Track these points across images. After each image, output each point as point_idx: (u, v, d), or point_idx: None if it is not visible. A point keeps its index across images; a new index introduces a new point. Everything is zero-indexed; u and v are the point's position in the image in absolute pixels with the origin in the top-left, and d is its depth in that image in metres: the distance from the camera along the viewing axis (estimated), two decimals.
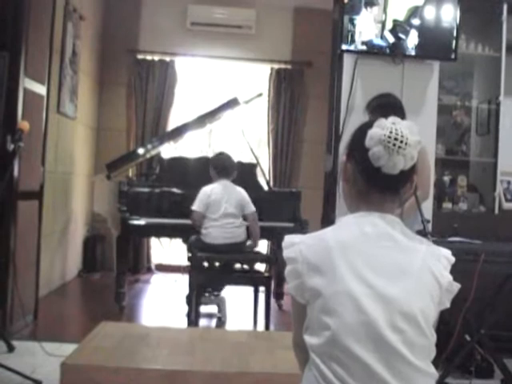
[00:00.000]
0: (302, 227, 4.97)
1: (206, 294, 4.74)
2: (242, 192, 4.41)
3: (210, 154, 5.16)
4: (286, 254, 1.37)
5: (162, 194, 4.86)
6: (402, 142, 1.33)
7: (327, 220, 4.01)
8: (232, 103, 5.28)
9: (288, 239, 1.39)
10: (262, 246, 6.33)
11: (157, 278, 6.50)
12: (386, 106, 3.37)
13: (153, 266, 6.82)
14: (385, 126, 1.35)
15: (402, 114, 3.32)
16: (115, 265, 4.86)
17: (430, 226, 3.28)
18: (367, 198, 1.39)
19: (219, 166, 4.43)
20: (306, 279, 1.32)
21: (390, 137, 1.33)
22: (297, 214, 5.12)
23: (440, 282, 1.33)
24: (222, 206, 4.29)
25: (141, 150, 5.45)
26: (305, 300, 1.34)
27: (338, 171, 3.88)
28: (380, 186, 1.38)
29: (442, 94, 4.43)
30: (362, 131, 1.39)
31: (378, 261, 1.31)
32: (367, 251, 1.32)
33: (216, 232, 4.26)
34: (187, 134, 5.45)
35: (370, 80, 4.08)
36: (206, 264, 4.27)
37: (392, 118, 1.37)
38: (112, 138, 6.66)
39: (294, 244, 1.36)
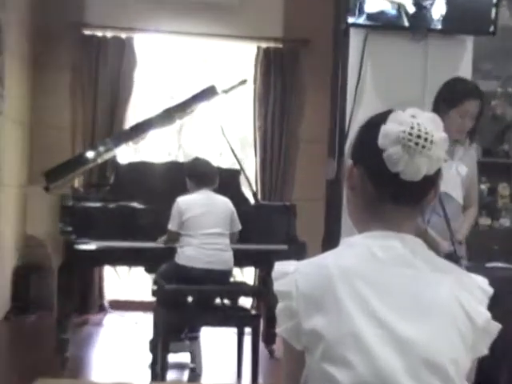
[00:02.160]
0: (298, 251, 4.99)
1: (177, 339, 4.72)
2: (228, 204, 4.52)
3: (181, 158, 5.29)
4: (276, 286, 1.39)
5: (118, 209, 4.87)
6: (426, 139, 1.34)
7: (330, 241, 4.05)
8: (208, 93, 5.31)
9: (279, 268, 1.40)
10: (249, 276, 6.48)
11: (112, 319, 6.50)
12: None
13: (106, 304, 6.81)
14: (403, 120, 1.36)
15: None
16: (56, 303, 4.84)
17: (462, 249, 3.32)
18: (380, 212, 1.41)
19: (198, 174, 4.56)
20: (302, 319, 1.33)
21: (410, 134, 1.34)
22: (291, 234, 5.17)
23: (474, 320, 1.34)
24: (202, 222, 4.38)
25: (90, 154, 5.44)
26: (302, 345, 1.34)
27: (343, 179, 3.90)
28: (397, 197, 1.39)
29: (476, 79, 4.46)
30: (373, 127, 1.40)
31: (394, 294, 1.32)
32: (379, 281, 1.33)
33: (193, 252, 4.33)
34: (151, 133, 5.47)
35: (383, 62, 4.14)
36: (176, 299, 4.31)
37: (411, 110, 1.39)
38: (52, 137, 6.64)
39: (287, 274, 1.37)
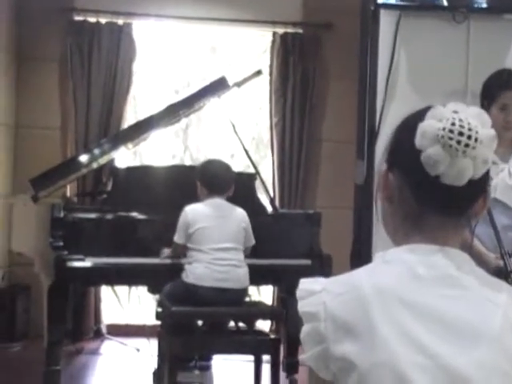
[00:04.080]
0: (322, 266, 4.99)
1: (186, 369, 4.69)
2: (244, 216, 4.55)
3: (187, 161, 5.29)
4: (302, 307, 1.39)
5: (116, 221, 4.87)
6: (469, 137, 1.33)
7: (360, 256, 4.05)
8: (218, 86, 5.31)
9: (304, 286, 1.41)
10: (266, 295, 6.54)
11: (110, 347, 6.50)
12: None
13: (104, 329, 6.80)
14: (443, 116, 1.36)
15: None
16: (46, 329, 4.80)
17: None
18: (420, 223, 1.41)
19: (212, 179, 4.54)
20: (332, 344, 1.33)
21: (451, 131, 1.34)
22: (315, 247, 5.14)
23: None
24: (213, 236, 4.38)
25: (84, 158, 5.45)
26: (331, 375, 1.34)
27: (374, 183, 3.90)
28: (439, 205, 1.39)
29: None
30: (409, 126, 1.40)
31: (438, 317, 1.31)
32: (421, 304, 1.32)
33: (202, 269, 4.33)
34: (153, 133, 5.48)
35: (419, 49, 4.13)
36: (184, 323, 4.32)
37: (453, 104, 1.39)
38: (39, 140, 6.65)
39: (314, 293, 1.38)
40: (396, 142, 1.45)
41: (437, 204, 1.39)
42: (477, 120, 1.36)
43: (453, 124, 1.34)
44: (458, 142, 1.33)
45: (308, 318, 1.37)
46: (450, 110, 1.37)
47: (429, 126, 1.36)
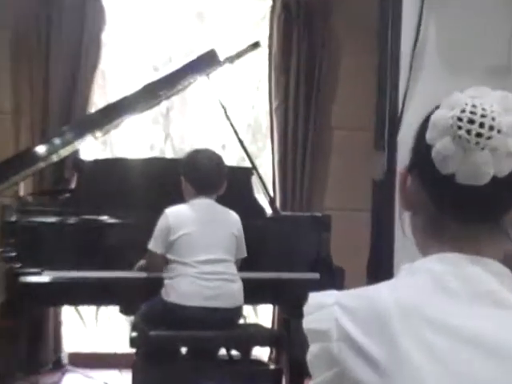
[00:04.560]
0: (333, 280, 5.00)
1: None
2: (236, 221, 4.61)
3: (169, 153, 5.38)
4: (309, 323, 1.40)
5: (81, 226, 4.88)
6: (482, 125, 1.33)
7: (378, 268, 4.09)
8: (206, 62, 5.30)
9: (315, 299, 1.41)
10: (265, 316, 6.50)
11: (73, 380, 6.43)
12: None
13: (65, 359, 6.75)
14: (456, 103, 1.38)
15: None
16: None
17: None
18: (442, 232, 1.44)
19: (198, 175, 4.56)
20: (346, 367, 1.33)
21: (460, 119, 1.35)
22: (324, 257, 5.18)
23: None
24: (200, 244, 4.42)
25: (41, 149, 5.40)
26: None
27: (396, 179, 3.91)
28: (459, 210, 1.41)
29: None
30: (426, 116, 1.44)
31: (477, 341, 1.31)
32: (454, 323, 1.32)
33: (188, 285, 4.36)
34: (126, 119, 5.48)
35: (450, 17, 4.12)
36: (164, 350, 4.33)
37: (473, 89, 1.40)
38: None
39: (324, 306, 1.38)
40: (415, 137, 1.47)
41: (456, 209, 1.40)
42: (499, 105, 1.35)
43: (463, 111, 1.35)
44: (468, 132, 1.33)
45: (316, 336, 1.37)
46: (468, 94, 1.38)
47: (440, 115, 1.38)
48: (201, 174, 4.55)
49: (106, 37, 6.70)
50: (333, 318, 1.36)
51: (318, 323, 1.38)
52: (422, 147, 1.40)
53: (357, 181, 6.06)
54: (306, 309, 1.41)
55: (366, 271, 4.20)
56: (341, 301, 1.37)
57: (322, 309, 1.38)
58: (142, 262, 4.66)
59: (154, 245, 4.45)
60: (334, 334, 1.34)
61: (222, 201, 4.63)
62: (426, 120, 1.41)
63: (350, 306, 1.36)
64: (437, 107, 1.42)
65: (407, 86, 4.09)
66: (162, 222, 4.44)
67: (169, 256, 4.42)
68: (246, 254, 4.62)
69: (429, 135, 1.38)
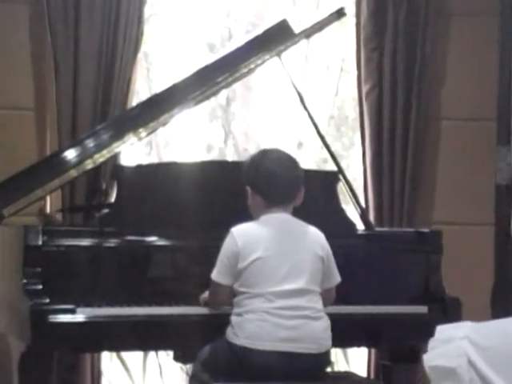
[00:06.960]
0: (446, 315, 4.79)
1: None
2: (321, 239, 4.30)
3: (231, 155, 5.29)
4: (432, 359, 1.49)
5: (123, 250, 4.66)
6: None
7: (506, 295, 4.10)
8: (276, 37, 5.08)
9: (442, 333, 1.53)
10: (359, 362, 6.48)
11: None
12: None
13: None
14: None
15: None
16: None
17: None
18: None
19: (268, 184, 4.27)
20: None
21: None
22: (433, 285, 4.99)
23: None
24: (276, 272, 4.13)
25: (71, 154, 5.20)
26: None
27: None
28: None
29: None
30: None
31: None
32: None
33: (260, 323, 4.09)
34: (176, 113, 5.24)
35: None
36: None
37: None
38: (3, 126, 6.39)
39: (453, 340, 1.48)
40: None
41: None
42: None
43: None
44: None
45: (442, 374, 1.46)
46: None
47: None
48: (271, 182, 4.27)
49: (149, 8, 6.55)
50: (463, 353, 1.47)
51: (444, 359, 1.48)
52: None
53: (474, 186, 6.07)
54: (431, 344, 1.53)
55: (491, 300, 4.25)
56: (472, 336, 1.48)
57: (450, 342, 1.49)
58: (206, 295, 4.42)
59: (218, 274, 4.20)
60: (464, 374, 1.45)
61: (300, 214, 4.30)
62: None
63: (483, 344, 1.46)
64: None
65: None
66: (228, 245, 4.19)
67: (237, 287, 4.17)
68: (339, 279, 4.33)
69: None
